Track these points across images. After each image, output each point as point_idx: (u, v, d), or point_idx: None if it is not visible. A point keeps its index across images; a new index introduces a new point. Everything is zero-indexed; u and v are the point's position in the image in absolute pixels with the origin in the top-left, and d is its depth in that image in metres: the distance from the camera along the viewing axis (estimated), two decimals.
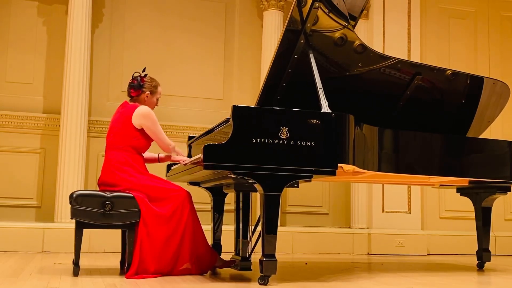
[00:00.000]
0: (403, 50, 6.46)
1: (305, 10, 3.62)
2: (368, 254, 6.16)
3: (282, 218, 6.36)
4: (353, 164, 3.42)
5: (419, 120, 4.45)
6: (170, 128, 6.20)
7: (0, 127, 5.83)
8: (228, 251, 4.15)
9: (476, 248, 4.74)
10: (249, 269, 3.68)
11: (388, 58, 4.15)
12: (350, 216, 6.47)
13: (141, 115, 3.70)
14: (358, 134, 3.49)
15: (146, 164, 3.84)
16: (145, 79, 3.85)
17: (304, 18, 3.65)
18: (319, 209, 6.63)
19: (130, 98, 3.87)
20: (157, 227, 3.48)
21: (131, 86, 3.84)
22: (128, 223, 3.49)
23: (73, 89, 5.61)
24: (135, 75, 3.84)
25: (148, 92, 3.83)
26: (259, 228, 3.42)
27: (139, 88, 3.82)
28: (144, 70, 3.89)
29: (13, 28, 6.01)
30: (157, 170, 4.13)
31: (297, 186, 3.45)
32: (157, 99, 3.91)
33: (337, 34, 3.85)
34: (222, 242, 4.17)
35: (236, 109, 3.22)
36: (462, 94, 4.52)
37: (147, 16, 6.40)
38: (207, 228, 3.86)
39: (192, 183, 4.24)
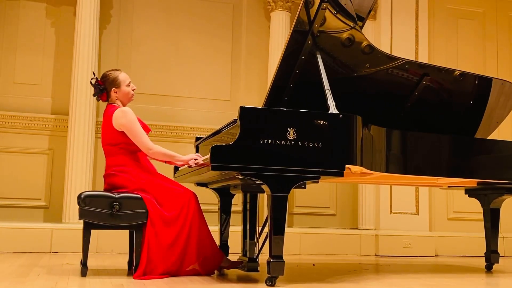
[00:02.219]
0: (411, 51, 6.44)
1: (313, 11, 3.61)
2: (376, 255, 6.15)
3: (289, 219, 6.35)
4: (361, 165, 3.41)
5: (427, 121, 4.44)
6: (177, 129, 6.21)
7: (9, 128, 5.86)
8: (235, 252, 4.15)
9: (485, 250, 4.72)
10: (256, 270, 3.68)
11: (395, 58, 4.14)
12: (358, 217, 6.46)
13: (117, 116, 3.62)
14: (366, 135, 3.48)
15: (154, 162, 3.83)
16: (102, 79, 3.75)
17: (312, 19, 3.64)
18: (326, 210, 6.62)
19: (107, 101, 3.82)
20: (164, 228, 3.48)
21: (94, 95, 3.77)
22: (136, 223, 3.49)
23: (81, 90, 5.63)
24: (92, 82, 3.75)
25: (113, 88, 3.73)
26: (266, 229, 3.42)
27: (103, 91, 3.75)
28: (94, 74, 3.81)
29: (21, 30, 6.04)
30: (164, 170, 4.13)
31: (305, 187, 3.45)
32: (128, 85, 3.76)
33: (345, 35, 3.84)
34: (229, 243, 4.16)
35: (243, 110, 3.22)
36: (470, 95, 4.50)
37: (155, 17, 6.41)
38: (214, 229, 3.86)
39: (199, 184, 4.24)
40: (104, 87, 3.74)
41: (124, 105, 3.79)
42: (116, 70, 3.80)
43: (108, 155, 3.72)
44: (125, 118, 3.61)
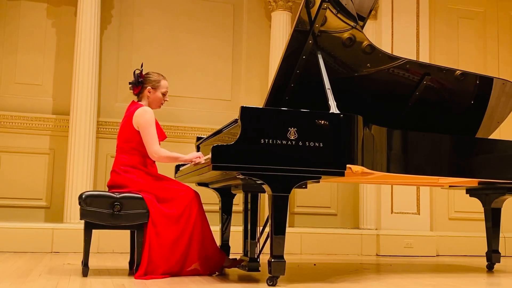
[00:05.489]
0: (412, 51, 6.44)
1: (313, 10, 3.61)
2: (377, 255, 6.15)
3: (291, 219, 6.35)
4: (362, 165, 3.41)
5: (428, 120, 4.44)
6: (178, 129, 6.21)
7: (10, 128, 5.87)
8: (236, 252, 4.15)
9: (486, 250, 4.72)
10: (258, 270, 3.68)
11: (396, 58, 4.14)
12: (359, 217, 6.46)
13: (138, 114, 3.64)
14: (367, 135, 3.48)
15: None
16: (144, 75, 3.78)
17: (313, 19, 3.64)
18: (327, 210, 6.62)
19: (136, 96, 3.85)
20: (165, 227, 3.48)
21: (130, 83, 3.79)
22: (137, 223, 3.49)
23: (82, 90, 5.64)
24: (136, 71, 3.78)
25: (149, 87, 3.75)
26: (267, 229, 3.42)
27: (139, 85, 3.76)
28: (142, 66, 3.82)
29: (22, 30, 6.05)
30: (166, 170, 4.14)
31: (306, 187, 3.45)
32: (163, 94, 3.80)
33: (346, 35, 3.84)
34: (230, 243, 4.17)
35: (244, 110, 3.22)
36: (471, 95, 4.50)
37: (156, 17, 6.41)
38: (215, 229, 3.86)
39: (200, 184, 4.24)
40: (142, 81, 3.76)
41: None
42: (162, 75, 3.83)
43: (119, 151, 3.72)
44: (143, 117, 3.62)
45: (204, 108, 6.44)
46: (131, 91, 3.83)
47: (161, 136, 3.76)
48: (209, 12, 6.58)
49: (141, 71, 3.80)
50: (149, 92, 3.77)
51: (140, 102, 3.79)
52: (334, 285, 3.41)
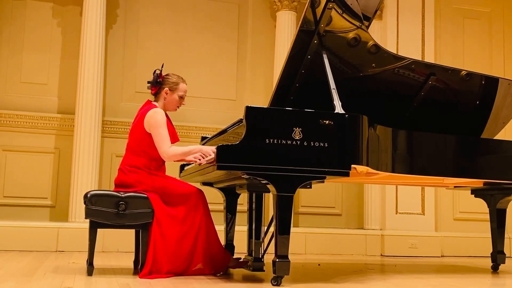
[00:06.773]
0: (417, 51, 6.43)
1: (319, 10, 3.61)
2: (381, 255, 6.14)
3: (295, 218, 6.35)
4: (367, 165, 3.41)
5: (433, 121, 4.43)
6: (183, 128, 6.21)
7: (15, 127, 5.89)
8: (240, 251, 4.16)
9: (491, 250, 4.71)
10: (262, 270, 3.68)
11: (402, 58, 4.13)
12: (363, 217, 6.45)
13: (149, 116, 3.62)
14: (372, 135, 3.48)
15: None
16: (164, 76, 3.77)
17: (318, 19, 3.64)
18: (332, 210, 6.62)
19: (153, 96, 3.82)
20: (170, 227, 3.48)
21: (149, 82, 3.78)
22: (142, 223, 3.50)
23: (87, 90, 5.65)
24: (156, 71, 3.76)
25: (167, 88, 3.73)
26: (272, 229, 3.42)
27: (157, 85, 3.75)
28: (162, 66, 3.81)
29: (28, 29, 6.07)
30: (171, 170, 4.14)
31: (310, 187, 3.44)
32: (180, 97, 3.77)
33: (351, 35, 3.84)
34: (234, 243, 4.17)
35: (249, 110, 3.22)
36: (476, 95, 4.49)
37: (161, 17, 6.42)
38: (220, 229, 3.86)
39: (205, 184, 4.25)
40: (161, 82, 3.75)
41: (163, 109, 3.75)
42: (181, 78, 3.82)
43: (129, 151, 3.72)
44: (153, 118, 3.60)
45: (209, 107, 6.44)
46: (149, 90, 3.80)
47: (173, 138, 3.71)
48: (214, 11, 6.59)
49: (161, 71, 3.78)
50: (166, 94, 3.75)
51: (156, 103, 3.77)
52: (339, 285, 3.41)
